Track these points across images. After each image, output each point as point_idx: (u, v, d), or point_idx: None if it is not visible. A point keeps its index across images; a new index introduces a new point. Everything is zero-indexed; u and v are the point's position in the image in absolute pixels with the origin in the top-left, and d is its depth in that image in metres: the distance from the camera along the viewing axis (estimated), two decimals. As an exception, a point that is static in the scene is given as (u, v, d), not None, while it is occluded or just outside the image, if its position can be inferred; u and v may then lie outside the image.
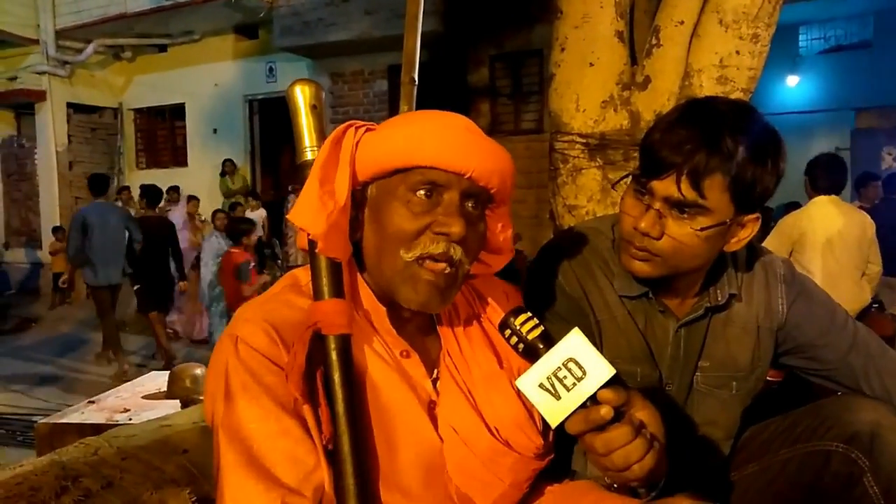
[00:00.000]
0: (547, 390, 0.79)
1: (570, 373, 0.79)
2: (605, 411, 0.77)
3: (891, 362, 1.15)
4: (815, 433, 1.09)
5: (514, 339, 0.85)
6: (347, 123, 0.85)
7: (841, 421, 1.05)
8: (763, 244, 3.57)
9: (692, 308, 1.14)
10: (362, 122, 0.86)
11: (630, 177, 1.06)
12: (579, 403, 0.78)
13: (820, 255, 3.48)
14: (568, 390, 0.78)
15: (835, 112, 8.28)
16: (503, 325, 0.86)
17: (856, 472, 1.01)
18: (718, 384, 1.17)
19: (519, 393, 0.89)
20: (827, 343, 1.15)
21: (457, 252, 0.84)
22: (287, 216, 0.85)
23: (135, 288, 6.35)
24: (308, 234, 0.83)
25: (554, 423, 0.80)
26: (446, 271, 0.85)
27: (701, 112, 1.01)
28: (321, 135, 0.87)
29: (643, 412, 0.81)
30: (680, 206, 0.98)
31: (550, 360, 0.80)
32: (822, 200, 3.54)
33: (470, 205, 0.86)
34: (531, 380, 0.80)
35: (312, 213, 0.82)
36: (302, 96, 0.86)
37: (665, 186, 0.98)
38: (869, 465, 1.00)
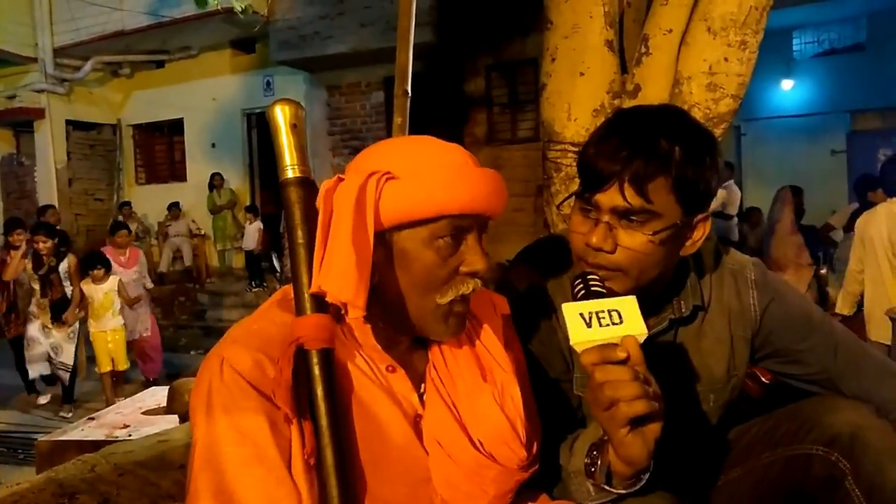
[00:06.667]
0: (583, 319, 0.85)
1: (610, 318, 0.85)
2: (621, 351, 0.82)
3: (869, 362, 1.14)
4: (795, 436, 1.08)
5: (580, 286, 0.92)
6: (366, 174, 0.82)
7: (821, 423, 1.05)
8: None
9: (656, 321, 1.12)
10: (382, 171, 0.83)
11: (573, 196, 1.05)
12: (604, 340, 0.84)
13: (872, 256, 3.54)
14: (601, 326, 0.84)
15: (830, 115, 8.32)
16: (578, 276, 0.95)
17: (837, 474, 1.01)
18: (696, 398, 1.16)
19: (502, 406, 0.91)
20: (805, 347, 1.13)
21: (478, 285, 0.89)
22: (328, 298, 0.82)
23: None
24: (343, 304, 0.81)
25: (574, 341, 0.85)
26: (468, 301, 0.90)
27: (631, 119, 1.01)
28: (302, 153, 0.87)
29: (653, 386, 0.84)
30: (628, 215, 0.97)
31: (599, 302, 0.87)
32: (892, 201, 3.57)
33: (480, 234, 0.89)
34: (575, 307, 0.86)
35: (353, 284, 0.80)
36: (282, 116, 0.86)
37: (610, 197, 0.97)
38: (850, 467, 1.00)
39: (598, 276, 0.95)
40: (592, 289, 0.91)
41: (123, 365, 5.92)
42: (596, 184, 0.98)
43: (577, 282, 0.93)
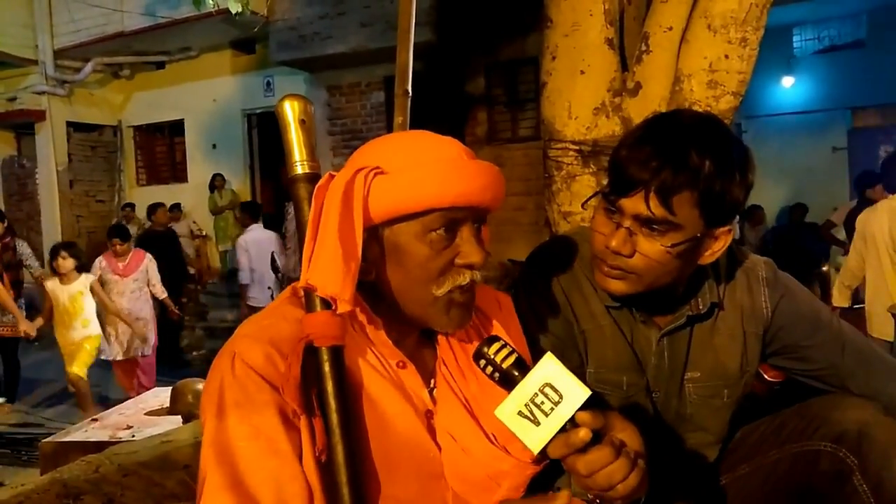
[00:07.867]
0: (526, 417, 0.79)
1: (547, 398, 0.78)
2: (584, 433, 0.77)
3: (876, 360, 1.15)
4: (803, 433, 1.09)
5: (490, 369, 0.85)
6: (354, 169, 0.83)
7: (828, 420, 1.06)
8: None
9: (674, 317, 1.14)
10: (371, 166, 0.83)
11: (599, 195, 1.06)
12: (558, 428, 0.78)
13: (874, 253, 3.53)
14: (546, 415, 0.78)
15: (831, 112, 8.30)
16: (477, 356, 0.86)
17: (845, 470, 1.02)
18: (710, 394, 1.17)
19: None
20: (813, 343, 1.15)
21: (477, 276, 0.88)
22: (317, 293, 0.81)
23: None
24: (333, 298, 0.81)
25: (536, 450, 0.79)
26: (470, 292, 0.89)
27: (666, 127, 1.01)
28: (311, 149, 0.88)
29: (623, 433, 0.82)
30: (650, 224, 0.98)
31: (526, 386, 0.80)
32: (893, 198, 3.55)
33: (477, 226, 0.89)
34: (509, 408, 0.80)
35: (339, 278, 0.80)
36: (291, 111, 0.86)
37: (634, 204, 0.98)
38: (857, 463, 1.01)
39: (496, 341, 0.85)
40: (503, 364, 0.83)
41: (80, 369, 4.73)
42: (623, 188, 0.99)
43: (481, 362, 0.85)
